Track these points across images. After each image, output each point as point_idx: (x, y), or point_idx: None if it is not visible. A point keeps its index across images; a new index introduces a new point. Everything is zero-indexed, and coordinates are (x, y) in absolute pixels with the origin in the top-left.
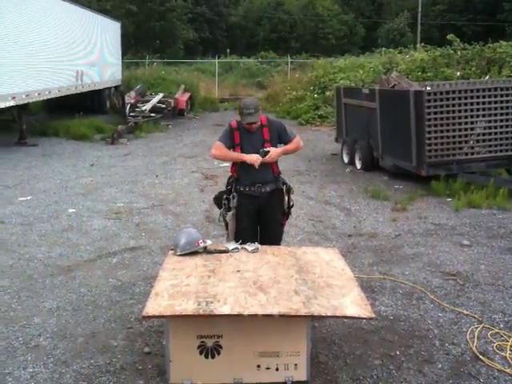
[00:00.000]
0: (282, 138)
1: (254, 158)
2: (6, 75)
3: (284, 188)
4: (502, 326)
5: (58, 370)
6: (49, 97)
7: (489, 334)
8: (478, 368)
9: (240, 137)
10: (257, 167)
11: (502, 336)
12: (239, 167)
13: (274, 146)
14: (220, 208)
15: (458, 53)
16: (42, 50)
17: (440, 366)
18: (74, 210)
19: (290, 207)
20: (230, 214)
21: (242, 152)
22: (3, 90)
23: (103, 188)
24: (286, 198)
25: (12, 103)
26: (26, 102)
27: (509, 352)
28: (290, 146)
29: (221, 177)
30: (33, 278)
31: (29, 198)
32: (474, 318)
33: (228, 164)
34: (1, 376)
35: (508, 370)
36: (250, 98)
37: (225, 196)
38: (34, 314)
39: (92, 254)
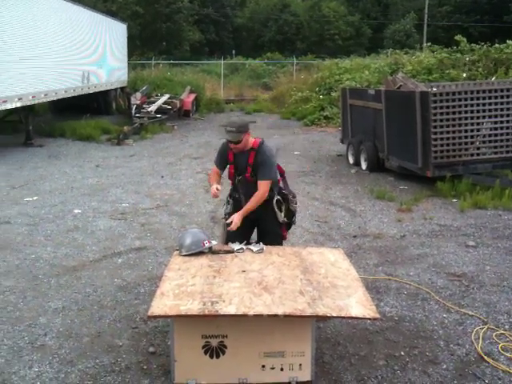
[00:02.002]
0: (257, 171)
1: (212, 192)
2: (12, 77)
3: (276, 199)
4: (507, 327)
5: (63, 369)
6: (55, 98)
7: (494, 334)
8: (482, 369)
9: (234, 154)
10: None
11: (507, 337)
12: None
13: (255, 172)
14: None
15: (467, 58)
16: (48, 51)
17: (445, 366)
18: (79, 211)
19: (291, 216)
20: (222, 222)
21: (235, 170)
22: (10, 91)
23: (109, 188)
24: (283, 208)
25: (19, 104)
26: (32, 103)
27: None
28: (249, 205)
29: (226, 178)
30: (38, 278)
31: (35, 198)
32: (479, 318)
33: None
34: (7, 375)
35: None
36: (239, 118)
37: (226, 199)
38: (40, 314)
39: (97, 255)
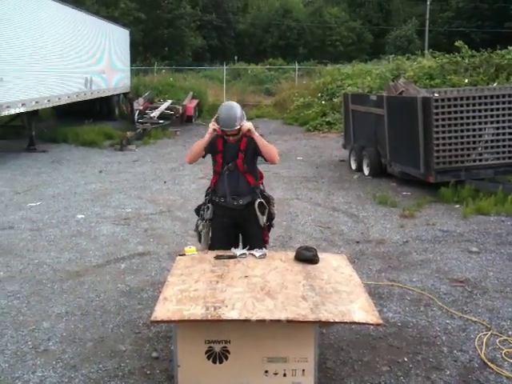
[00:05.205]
0: (255, 149)
1: (210, 128)
2: (16, 82)
3: (258, 201)
4: (510, 333)
5: (66, 374)
6: (58, 103)
7: (497, 340)
8: (486, 375)
9: (223, 143)
10: (210, 132)
11: (510, 343)
12: (217, 178)
13: (249, 157)
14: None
15: (466, 60)
16: (51, 56)
17: (448, 372)
18: (82, 216)
19: (271, 219)
20: (202, 224)
21: (224, 160)
22: (13, 96)
23: (112, 194)
24: (266, 211)
25: (22, 110)
26: (35, 108)
27: None
28: (265, 143)
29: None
30: (42, 282)
31: (38, 203)
32: (483, 324)
33: None
34: (10, 380)
35: None
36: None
37: (202, 207)
38: (43, 319)
39: (100, 260)
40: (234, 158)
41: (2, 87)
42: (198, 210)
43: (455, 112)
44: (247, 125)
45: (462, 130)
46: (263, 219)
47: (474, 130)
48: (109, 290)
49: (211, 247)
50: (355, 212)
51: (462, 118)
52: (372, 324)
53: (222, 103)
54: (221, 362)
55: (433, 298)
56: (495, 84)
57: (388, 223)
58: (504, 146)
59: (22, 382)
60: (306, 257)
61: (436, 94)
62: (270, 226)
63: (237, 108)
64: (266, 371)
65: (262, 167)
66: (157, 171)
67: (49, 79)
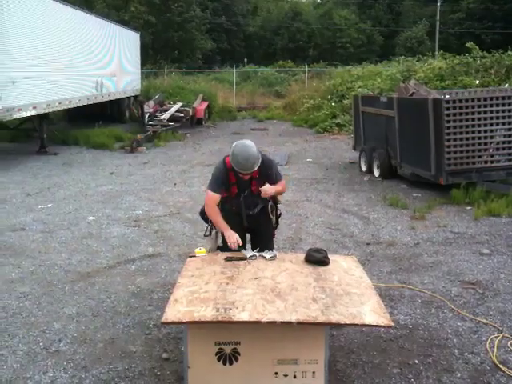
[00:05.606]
0: (267, 178)
1: (232, 240)
2: (27, 85)
3: (270, 205)
4: None
5: (77, 374)
6: (69, 106)
7: (509, 343)
8: (497, 378)
9: (235, 175)
10: (233, 247)
11: None
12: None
13: (261, 182)
14: (206, 223)
15: (478, 61)
16: (62, 60)
17: (459, 375)
18: (93, 218)
19: (277, 217)
20: (213, 232)
21: (239, 189)
22: (25, 99)
23: (122, 196)
24: (275, 212)
25: (33, 112)
26: (46, 111)
27: None
28: (279, 187)
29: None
30: (53, 284)
31: (49, 205)
32: (494, 327)
33: None
34: (22, 380)
35: None
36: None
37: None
38: (54, 320)
39: (111, 261)
40: (248, 185)
41: (13, 90)
42: (203, 214)
43: (466, 113)
44: (268, 192)
45: (473, 132)
46: (274, 220)
47: (486, 131)
48: (119, 291)
49: (225, 248)
50: (365, 214)
51: (473, 120)
52: (383, 326)
53: (232, 105)
54: (231, 364)
55: (444, 300)
56: (506, 85)
57: (398, 225)
58: None
59: (33, 382)
60: (317, 259)
61: (447, 96)
62: (276, 223)
63: (253, 148)
64: (276, 373)
65: None
66: (167, 173)
67: (60, 82)
